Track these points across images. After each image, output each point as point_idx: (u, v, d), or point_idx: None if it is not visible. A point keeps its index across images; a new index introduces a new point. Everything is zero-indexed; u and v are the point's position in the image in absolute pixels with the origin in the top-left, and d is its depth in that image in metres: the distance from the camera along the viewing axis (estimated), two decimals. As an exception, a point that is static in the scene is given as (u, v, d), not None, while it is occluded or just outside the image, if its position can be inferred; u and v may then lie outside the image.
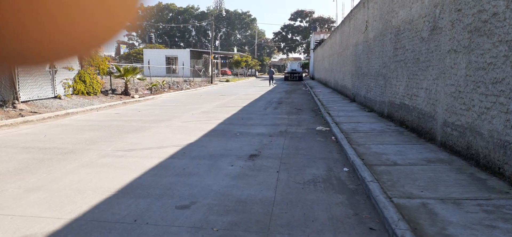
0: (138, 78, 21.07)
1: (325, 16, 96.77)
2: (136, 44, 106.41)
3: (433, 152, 6.49)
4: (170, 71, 47.34)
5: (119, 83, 21.99)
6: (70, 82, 16.68)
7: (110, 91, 19.91)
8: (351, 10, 18.93)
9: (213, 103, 17.14)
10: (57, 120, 11.70)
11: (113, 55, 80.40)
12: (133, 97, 19.30)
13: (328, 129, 9.82)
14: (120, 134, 8.98)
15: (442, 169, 5.38)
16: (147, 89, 23.12)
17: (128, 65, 22.61)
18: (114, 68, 20.39)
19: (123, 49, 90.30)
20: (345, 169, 5.85)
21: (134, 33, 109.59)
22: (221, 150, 7.18)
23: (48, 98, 15.20)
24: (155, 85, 23.76)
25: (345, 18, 21.16)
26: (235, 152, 7.02)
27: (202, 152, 6.94)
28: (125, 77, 19.92)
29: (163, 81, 25.90)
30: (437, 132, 6.95)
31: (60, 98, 15.55)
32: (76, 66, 17.27)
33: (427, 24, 7.61)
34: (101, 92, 19.09)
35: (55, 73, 15.70)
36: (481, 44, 5.35)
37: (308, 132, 9.50)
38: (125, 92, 19.93)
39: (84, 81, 17.43)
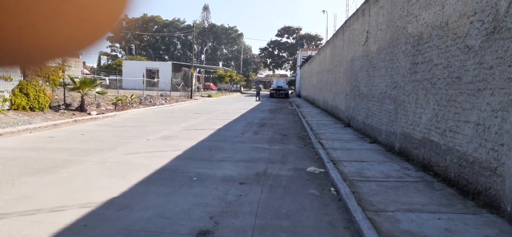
0: (97, 92, 18.10)
1: (312, 33, 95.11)
2: (120, 55, 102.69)
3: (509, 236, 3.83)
4: (151, 85, 44.36)
5: (77, 98, 18.95)
6: (7, 95, 13.66)
7: (63, 107, 16.87)
8: (346, 21, 16.49)
9: (182, 124, 14.30)
10: (-38, 145, 8.73)
11: (95, 66, 77.13)
12: (89, 114, 16.33)
13: (322, 170, 7.11)
14: (20, 175, 6.07)
15: None
16: (112, 104, 20.15)
17: (89, 76, 19.66)
18: (69, 79, 17.36)
19: (104, 60, 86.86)
20: (368, 282, 3.11)
21: (117, 45, 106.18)
22: (153, 217, 4.35)
23: (-28, 114, 12.16)
24: (121, 100, 20.80)
25: (338, 30, 18.73)
26: (174, 223, 4.21)
27: (116, 225, 4.10)
28: (81, 91, 16.93)
29: (132, 96, 22.94)
30: (506, 197, 4.29)
31: (-11, 114, 12.51)
32: (16, 76, 14.28)
33: (479, 26, 5.03)
34: (51, 107, 16.07)
35: (-15, 84, 12.71)
36: None
37: (296, 175, 6.77)
38: (81, 108, 16.94)
39: (27, 95, 14.40)
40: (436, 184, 5.86)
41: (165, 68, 55.62)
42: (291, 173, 6.91)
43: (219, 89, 64.68)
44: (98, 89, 17.83)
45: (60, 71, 16.80)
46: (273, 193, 5.51)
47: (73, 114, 15.73)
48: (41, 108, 14.97)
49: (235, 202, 5.04)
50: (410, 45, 7.87)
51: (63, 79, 16.95)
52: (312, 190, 5.76)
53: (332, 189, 5.81)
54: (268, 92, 55.66)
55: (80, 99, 17.33)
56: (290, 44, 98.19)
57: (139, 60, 67.31)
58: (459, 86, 5.58)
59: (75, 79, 17.05)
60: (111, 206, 4.70)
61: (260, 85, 45.27)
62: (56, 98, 17.85)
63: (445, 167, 5.95)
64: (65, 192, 5.22)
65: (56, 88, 17.12)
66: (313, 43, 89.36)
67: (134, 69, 53.50)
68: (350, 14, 17.18)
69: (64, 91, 17.26)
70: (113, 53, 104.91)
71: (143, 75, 31.38)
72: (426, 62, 6.94)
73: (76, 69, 37.90)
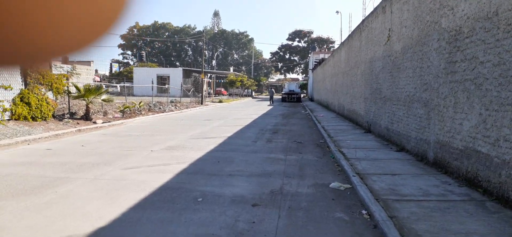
0: (103, 100, 17.40)
1: (324, 36, 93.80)
2: (131, 63, 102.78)
3: None
4: (162, 91, 43.79)
5: (82, 106, 18.31)
6: (7, 105, 13.00)
7: (68, 116, 16.22)
8: (363, 20, 15.49)
9: (190, 132, 13.47)
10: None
11: (107, 74, 77.24)
12: (95, 122, 15.62)
13: (348, 186, 6.15)
14: (-1, 198, 5.27)
15: None
16: (119, 112, 19.46)
17: (95, 83, 19.04)
18: (73, 86, 16.69)
19: (115, 68, 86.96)
20: None
21: (128, 52, 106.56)
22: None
23: (-31, 125, 11.51)
24: (128, 107, 20.11)
25: (354, 31, 17.72)
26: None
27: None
28: (86, 99, 16.26)
29: (140, 103, 22.25)
30: None
31: (-13, 125, 11.85)
32: (17, 84, 13.64)
33: (548, 11, 4.04)
34: (55, 116, 15.40)
35: (-17, 93, 12.07)
36: None
37: (318, 193, 5.82)
38: (86, 117, 16.26)
39: (29, 104, 13.74)
40: (488, 204, 4.86)
41: (175, 74, 55.22)
42: (312, 190, 5.96)
43: (230, 95, 63.96)
44: (103, 97, 17.11)
45: (64, 79, 16.16)
46: (293, 219, 4.58)
47: (78, 123, 15.04)
48: (43, 118, 14.31)
49: (248, 232, 4.11)
50: (445, 42, 6.87)
51: (67, 87, 16.30)
52: (340, 214, 4.81)
53: (364, 211, 4.85)
54: (280, 97, 54.79)
55: (85, 108, 16.66)
56: (301, 48, 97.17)
57: (150, 67, 67.10)
58: (518, 87, 4.58)
59: (79, 87, 16.38)
60: (93, 242, 3.83)
61: (273, 89, 44.92)
62: (62, 107, 17.24)
63: (499, 183, 4.94)
64: (43, 221, 4.37)
65: (62, 96, 16.51)
66: (325, 47, 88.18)
67: (144, 76, 53.22)
68: (367, 13, 16.22)
69: (68, 99, 16.62)
70: (125, 60, 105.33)
71: (152, 81, 30.77)
72: (468, 60, 5.94)
73: (87, 77, 37.55)
